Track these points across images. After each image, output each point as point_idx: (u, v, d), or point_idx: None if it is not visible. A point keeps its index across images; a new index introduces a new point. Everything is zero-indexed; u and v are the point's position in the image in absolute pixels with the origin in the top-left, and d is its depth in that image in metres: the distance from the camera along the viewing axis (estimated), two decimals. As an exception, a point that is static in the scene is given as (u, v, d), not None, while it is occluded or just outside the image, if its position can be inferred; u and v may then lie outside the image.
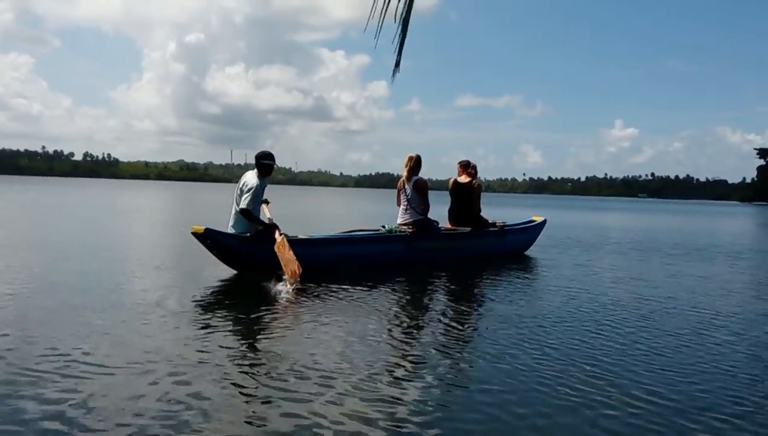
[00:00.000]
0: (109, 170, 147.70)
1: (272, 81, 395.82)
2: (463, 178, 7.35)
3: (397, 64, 2.44)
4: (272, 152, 5.78)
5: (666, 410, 2.49)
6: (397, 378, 2.79)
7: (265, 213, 5.68)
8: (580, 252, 8.78)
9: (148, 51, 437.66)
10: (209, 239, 5.40)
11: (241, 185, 5.61)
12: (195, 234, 5.41)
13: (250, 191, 5.46)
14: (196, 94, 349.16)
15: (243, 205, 5.44)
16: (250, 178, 5.61)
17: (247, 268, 5.51)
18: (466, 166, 7.37)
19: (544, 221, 8.42)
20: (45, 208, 17.53)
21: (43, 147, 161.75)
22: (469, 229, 7.16)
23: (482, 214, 7.43)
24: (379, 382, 2.70)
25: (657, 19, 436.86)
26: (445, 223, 7.30)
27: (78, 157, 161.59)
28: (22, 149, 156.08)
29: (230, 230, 5.60)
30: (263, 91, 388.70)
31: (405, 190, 6.63)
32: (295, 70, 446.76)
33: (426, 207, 6.60)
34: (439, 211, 7.22)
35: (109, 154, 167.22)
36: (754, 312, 4.71)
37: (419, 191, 6.55)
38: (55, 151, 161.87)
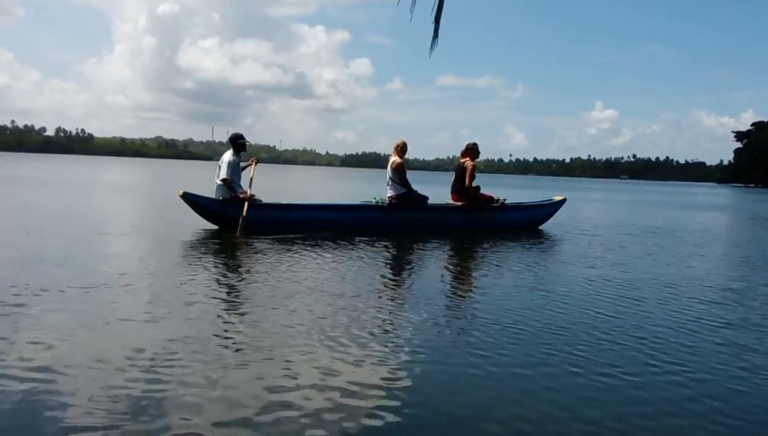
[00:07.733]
0: (83, 146, 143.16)
1: (248, 56, 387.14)
2: (462, 160, 8.19)
3: (436, 35, 2.64)
4: (242, 133, 7.35)
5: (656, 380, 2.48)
6: (367, 339, 2.84)
7: (250, 172, 7.16)
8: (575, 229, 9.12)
9: (119, 22, 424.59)
10: (187, 200, 7.09)
11: (219, 163, 7.20)
12: (181, 196, 7.11)
13: (228, 165, 7.03)
14: (170, 68, 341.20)
15: (224, 176, 6.98)
16: (227, 156, 7.17)
17: (222, 224, 7.05)
18: (466, 150, 8.13)
19: (562, 200, 9.01)
20: (42, 185, 16.16)
21: (13, 121, 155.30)
22: (459, 203, 7.97)
23: (488, 192, 8.18)
24: (353, 344, 2.73)
25: (638, 5, 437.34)
26: (447, 198, 8.27)
27: (50, 132, 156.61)
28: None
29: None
30: (240, 67, 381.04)
31: (388, 169, 7.83)
32: (272, 45, 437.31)
33: (404, 183, 7.67)
34: (429, 189, 8.27)
35: (83, 130, 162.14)
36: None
37: (396, 170, 7.65)
38: (26, 126, 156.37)
